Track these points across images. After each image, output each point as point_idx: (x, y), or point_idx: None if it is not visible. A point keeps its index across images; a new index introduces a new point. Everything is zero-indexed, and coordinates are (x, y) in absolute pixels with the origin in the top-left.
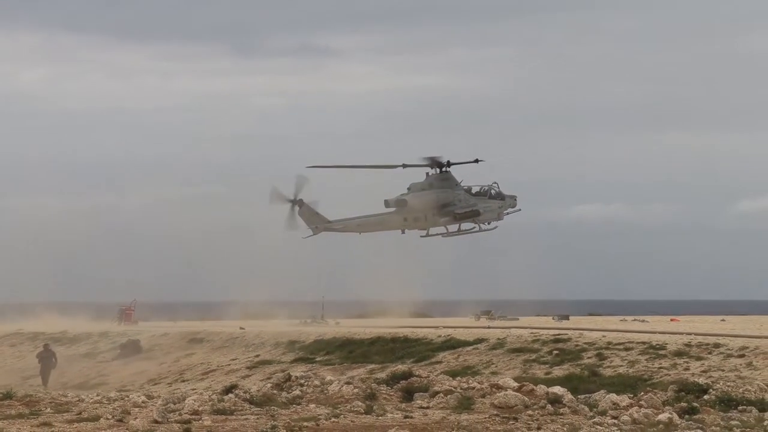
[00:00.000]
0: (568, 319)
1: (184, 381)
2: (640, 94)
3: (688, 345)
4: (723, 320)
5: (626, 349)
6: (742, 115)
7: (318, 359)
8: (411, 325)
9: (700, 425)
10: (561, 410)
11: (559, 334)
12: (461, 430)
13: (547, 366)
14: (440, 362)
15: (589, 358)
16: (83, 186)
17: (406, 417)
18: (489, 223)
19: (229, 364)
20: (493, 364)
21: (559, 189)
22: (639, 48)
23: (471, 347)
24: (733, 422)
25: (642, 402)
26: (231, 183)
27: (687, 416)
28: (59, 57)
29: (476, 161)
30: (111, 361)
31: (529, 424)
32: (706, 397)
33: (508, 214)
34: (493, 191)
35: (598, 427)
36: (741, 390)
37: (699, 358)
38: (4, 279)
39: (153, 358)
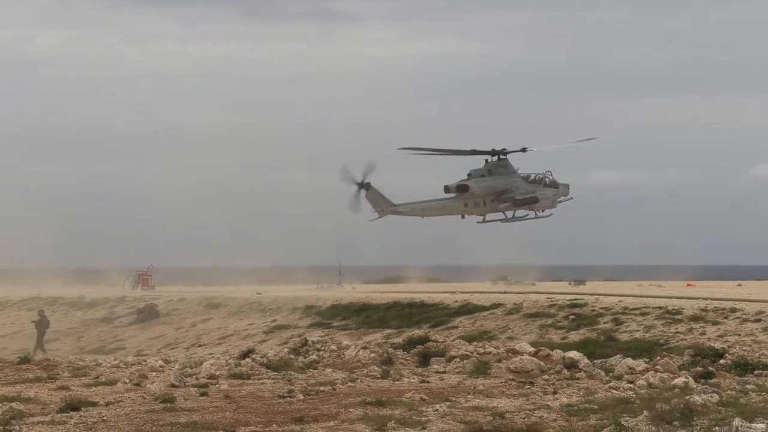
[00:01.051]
0: (585, 284)
1: (201, 346)
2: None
3: (705, 310)
4: (739, 285)
5: (642, 314)
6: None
7: (334, 324)
8: (428, 290)
9: (716, 389)
10: (577, 375)
11: (575, 299)
12: (477, 394)
13: (563, 331)
14: (456, 327)
15: (605, 323)
16: (96, 153)
17: (422, 381)
18: (544, 211)
19: (246, 329)
20: (509, 329)
21: (576, 155)
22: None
23: (487, 312)
24: (749, 386)
25: (658, 366)
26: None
27: (703, 380)
28: (72, 22)
29: (524, 150)
30: (128, 325)
31: (545, 388)
32: (722, 361)
33: (561, 202)
34: (547, 179)
35: (614, 391)
36: (757, 354)
37: (715, 323)
38: (19, 245)
39: (170, 323)
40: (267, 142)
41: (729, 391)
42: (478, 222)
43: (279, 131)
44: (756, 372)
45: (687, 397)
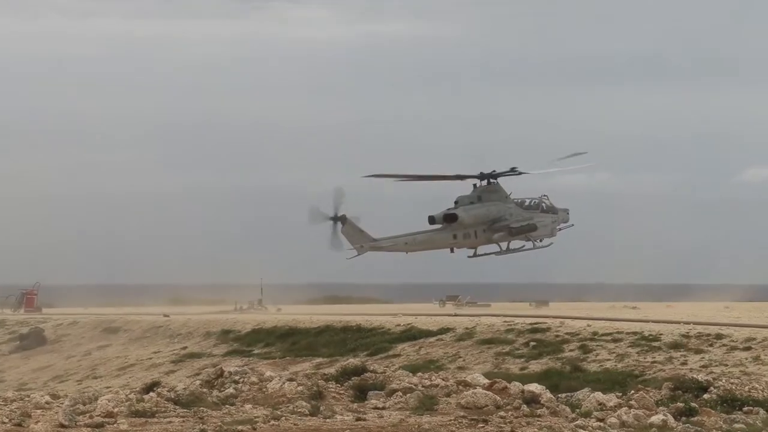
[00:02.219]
0: (548, 306)
1: (96, 378)
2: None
3: (686, 336)
4: (727, 307)
5: (615, 341)
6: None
7: (256, 352)
8: (365, 312)
9: (699, 429)
10: (538, 411)
11: (536, 323)
12: None
13: (522, 360)
14: (399, 355)
15: (571, 350)
16: None
17: (358, 419)
18: (542, 240)
19: (151, 358)
20: (460, 357)
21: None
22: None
23: (434, 338)
24: (737, 425)
25: (632, 402)
26: (158, 146)
27: (684, 418)
28: None
29: (514, 170)
30: (8, 354)
31: (501, 427)
32: (706, 396)
33: (561, 229)
34: (544, 204)
35: (581, 430)
36: (746, 388)
37: (698, 351)
38: None
39: (59, 350)
40: (176, 140)
41: (714, 431)
42: (469, 256)
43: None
44: (745, 409)
45: None
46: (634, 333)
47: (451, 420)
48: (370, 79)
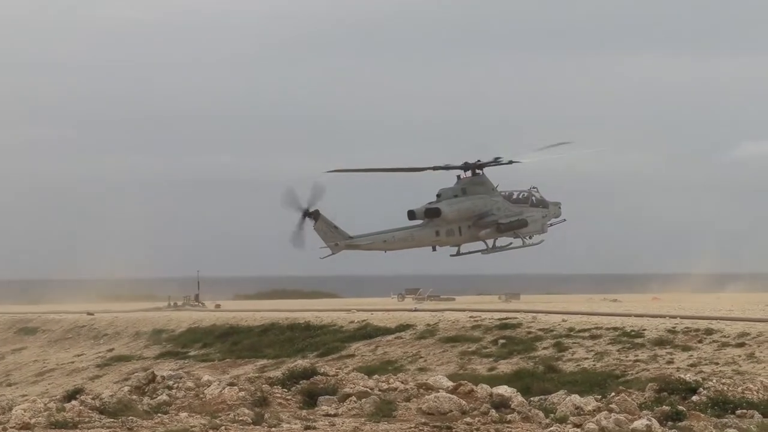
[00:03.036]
0: (519, 299)
1: (10, 385)
2: None
3: (673, 331)
4: (718, 298)
5: (593, 337)
6: None
7: (192, 354)
8: (316, 308)
9: None
10: (508, 417)
11: (506, 319)
12: None
13: (491, 360)
14: (352, 356)
15: (545, 348)
16: None
17: (306, 428)
18: (532, 237)
19: (73, 362)
20: (421, 357)
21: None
22: None
23: (392, 336)
24: (729, 430)
25: (613, 405)
26: (60, 126)
27: (670, 423)
28: None
29: (510, 163)
30: None
31: None
32: (695, 398)
33: (552, 225)
34: (534, 197)
35: None
36: (740, 389)
37: (686, 348)
38: None
39: None
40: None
41: None
42: (451, 255)
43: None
44: (739, 412)
45: None
46: (615, 328)
47: (411, 427)
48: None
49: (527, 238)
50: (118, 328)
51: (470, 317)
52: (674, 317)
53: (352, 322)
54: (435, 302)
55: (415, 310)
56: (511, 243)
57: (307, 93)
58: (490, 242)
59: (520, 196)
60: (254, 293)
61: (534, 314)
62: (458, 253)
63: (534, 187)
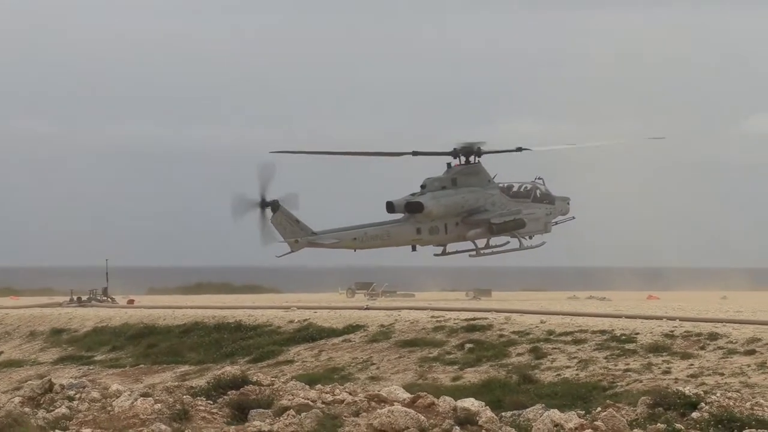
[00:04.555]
0: (490, 296)
1: None
2: None
3: (670, 335)
4: (724, 298)
5: (576, 342)
6: None
7: (98, 358)
8: (248, 305)
9: None
10: None
11: (474, 319)
12: None
13: (455, 367)
14: (292, 361)
15: (519, 354)
16: None
17: None
18: (532, 238)
19: None
20: (373, 364)
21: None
22: None
23: (339, 339)
24: None
25: (598, 422)
26: None
27: None
28: None
29: (519, 150)
30: None
31: None
32: (695, 414)
33: (558, 223)
34: (538, 191)
35: None
36: (748, 405)
37: (686, 356)
38: None
39: None
40: None
41: None
42: (436, 255)
43: None
44: (746, 431)
45: None
46: (603, 332)
47: None
48: None
49: (526, 238)
50: (7, 327)
51: (432, 317)
52: (673, 319)
53: (291, 321)
54: (391, 299)
55: (367, 308)
56: (507, 243)
57: (238, 51)
58: (481, 243)
59: (522, 190)
60: (174, 287)
61: (507, 314)
62: (444, 253)
63: (539, 179)
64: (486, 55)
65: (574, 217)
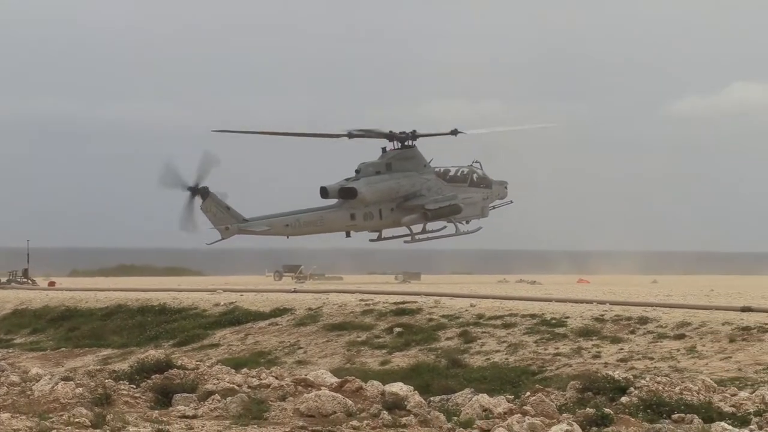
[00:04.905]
0: (419, 279)
1: None
2: None
3: (600, 319)
4: (654, 282)
5: (506, 326)
6: None
7: (18, 341)
8: (173, 287)
9: None
10: (403, 420)
11: (403, 303)
12: None
13: (384, 351)
14: (218, 345)
15: (448, 339)
16: None
17: None
18: (469, 223)
19: None
20: (300, 348)
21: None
22: None
23: (266, 322)
24: None
25: (528, 407)
26: None
27: (595, 428)
28: None
29: (454, 133)
30: None
31: None
32: (624, 399)
33: (495, 208)
34: (475, 175)
35: None
36: (677, 389)
37: (616, 340)
38: None
39: None
40: None
41: None
42: (371, 240)
43: None
44: (675, 416)
45: None
46: (533, 316)
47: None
48: None
49: (463, 223)
50: None
51: (361, 300)
52: (603, 303)
53: (217, 304)
54: (319, 282)
55: (295, 291)
56: (444, 228)
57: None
58: (417, 228)
59: (458, 174)
60: (96, 269)
61: (437, 297)
62: (379, 238)
63: (476, 162)
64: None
65: (512, 201)
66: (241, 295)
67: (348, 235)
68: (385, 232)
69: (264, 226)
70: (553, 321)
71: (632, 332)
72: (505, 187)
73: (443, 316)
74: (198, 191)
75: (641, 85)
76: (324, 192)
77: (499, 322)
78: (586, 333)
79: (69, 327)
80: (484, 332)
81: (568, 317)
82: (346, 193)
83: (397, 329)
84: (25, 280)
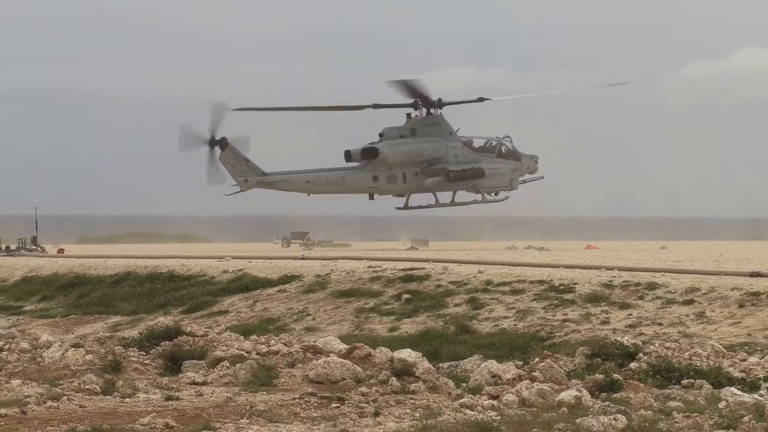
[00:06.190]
0: (428, 245)
1: None
2: None
3: (609, 285)
4: (663, 247)
5: (515, 292)
6: None
7: (27, 308)
8: (182, 254)
9: (623, 407)
10: (412, 386)
11: (411, 269)
12: (256, 418)
13: (392, 318)
14: (226, 312)
15: (457, 305)
16: None
17: (168, 399)
18: (497, 194)
19: None
20: (308, 315)
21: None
22: None
23: (275, 289)
24: (672, 403)
25: (536, 373)
26: None
27: (604, 394)
28: None
29: (480, 100)
30: None
31: (361, 407)
32: (633, 365)
33: (525, 182)
34: (504, 147)
35: (468, 411)
36: (686, 355)
37: (624, 306)
38: None
39: None
40: None
41: (643, 412)
42: (398, 208)
43: None
44: (684, 382)
45: (579, 421)
46: (541, 282)
47: (295, 399)
48: None
49: (491, 193)
50: None
51: (369, 267)
52: (611, 269)
53: (225, 271)
54: (327, 249)
55: (303, 258)
56: (473, 199)
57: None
58: (443, 196)
59: (487, 145)
60: (105, 236)
61: (445, 264)
62: (406, 206)
63: (507, 137)
64: None
65: (542, 177)
66: (250, 262)
67: (371, 197)
68: (412, 201)
69: (283, 179)
70: (562, 287)
71: (641, 298)
72: (536, 162)
73: (451, 283)
74: (216, 142)
75: None
76: (348, 155)
77: (507, 288)
78: (594, 299)
79: (78, 294)
80: (493, 298)
81: (576, 283)
82: (369, 153)
83: (406, 296)
84: (34, 247)
